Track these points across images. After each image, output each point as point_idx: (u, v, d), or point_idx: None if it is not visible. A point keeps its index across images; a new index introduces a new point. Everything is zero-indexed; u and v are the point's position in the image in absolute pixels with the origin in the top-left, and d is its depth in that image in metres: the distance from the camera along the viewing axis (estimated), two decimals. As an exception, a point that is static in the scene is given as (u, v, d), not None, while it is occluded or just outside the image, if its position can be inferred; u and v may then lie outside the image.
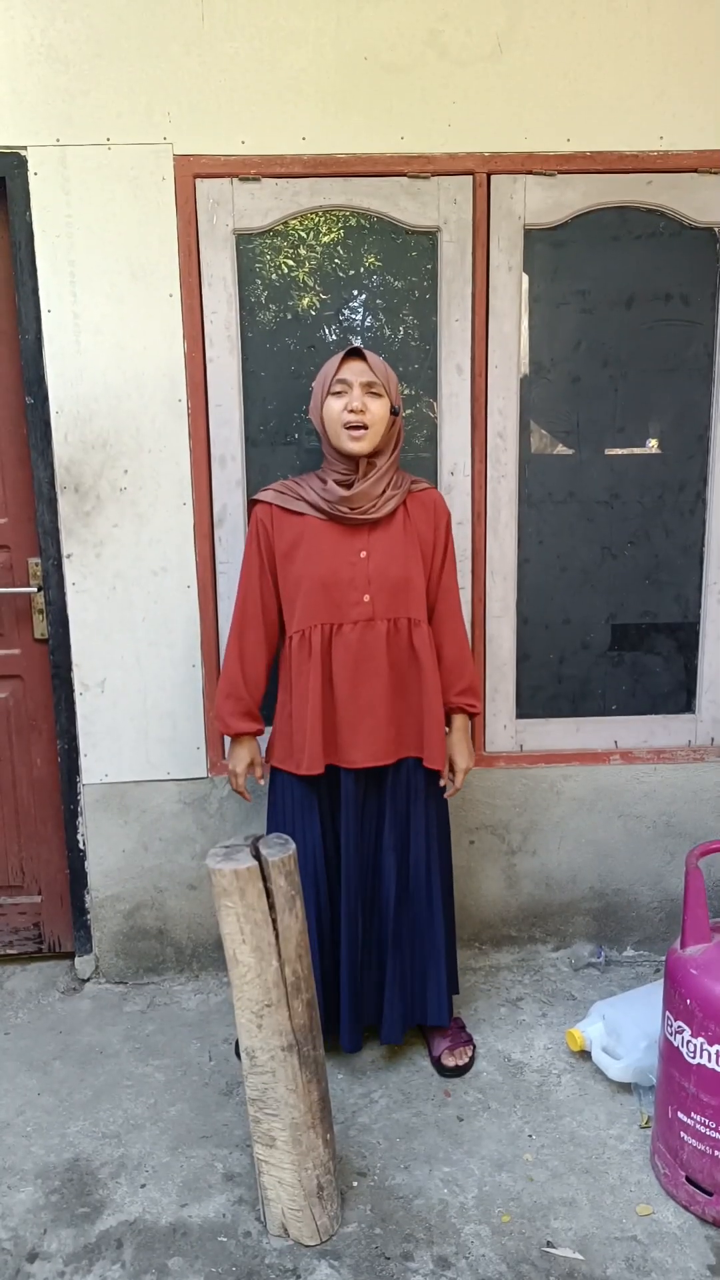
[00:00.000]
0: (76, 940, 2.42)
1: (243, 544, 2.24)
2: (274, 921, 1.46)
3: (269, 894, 1.46)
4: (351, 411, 1.79)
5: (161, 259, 2.11)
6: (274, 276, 2.20)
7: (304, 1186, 1.57)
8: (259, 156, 2.11)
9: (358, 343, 2.25)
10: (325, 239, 2.20)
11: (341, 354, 1.82)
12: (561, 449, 2.32)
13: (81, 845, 2.36)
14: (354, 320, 2.24)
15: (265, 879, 1.46)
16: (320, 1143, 1.57)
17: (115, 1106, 1.98)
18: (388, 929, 1.95)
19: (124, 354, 2.14)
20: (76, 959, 2.43)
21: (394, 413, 1.85)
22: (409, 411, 2.26)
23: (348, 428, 1.80)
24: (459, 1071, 2.02)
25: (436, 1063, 2.04)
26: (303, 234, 2.19)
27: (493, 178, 2.14)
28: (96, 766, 2.31)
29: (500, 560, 2.32)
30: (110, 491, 2.21)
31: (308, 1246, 1.59)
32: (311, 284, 2.21)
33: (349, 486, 1.86)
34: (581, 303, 2.25)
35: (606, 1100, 1.97)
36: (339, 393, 1.81)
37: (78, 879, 2.38)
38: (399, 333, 2.25)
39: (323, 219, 2.19)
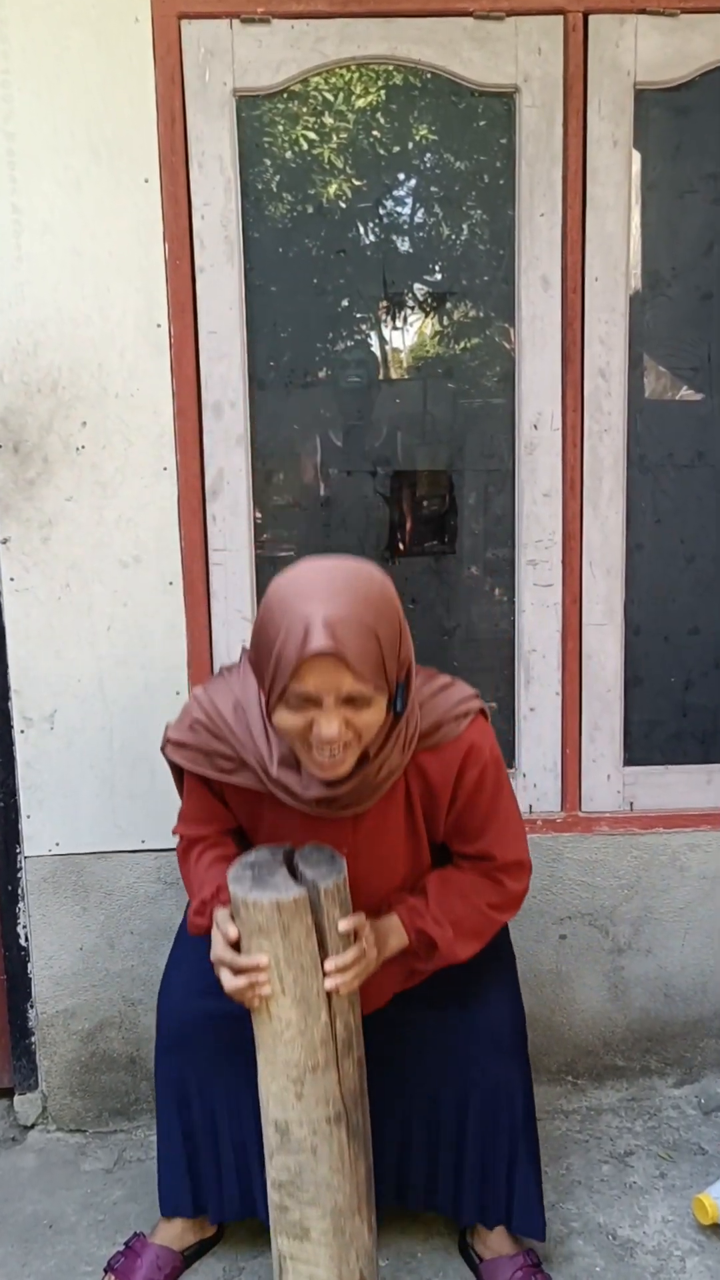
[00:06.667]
0: (16, 1072, 2.31)
1: (245, 522, 2.17)
2: (322, 964, 1.45)
3: (318, 929, 1.44)
4: (323, 744, 1.42)
5: (135, 131, 2.01)
6: (289, 155, 2.13)
7: None
8: (268, -12, 2.04)
9: (405, 246, 2.18)
10: (360, 103, 2.12)
11: (301, 651, 1.35)
12: (687, 393, 2.25)
13: (23, 941, 2.25)
14: (399, 215, 2.17)
15: (315, 909, 1.44)
16: (365, 1229, 1.58)
17: (70, 1302, 1.86)
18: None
19: (82, 262, 2.03)
20: (17, 1098, 2.32)
21: (397, 712, 1.49)
22: (475, 341, 2.21)
23: (316, 751, 1.45)
24: None
25: None
26: (329, 96, 2.11)
27: (590, 18, 2.04)
28: (44, 832, 2.21)
29: (602, 547, 2.21)
30: (62, 451, 2.10)
31: None
32: (341, 165, 2.14)
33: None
34: (714, 191, 2.17)
35: (750, 1293, 1.84)
36: (298, 708, 1.42)
37: (18, 988, 2.27)
38: (461, 232, 2.18)
39: (357, 76, 2.12)
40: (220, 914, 1.53)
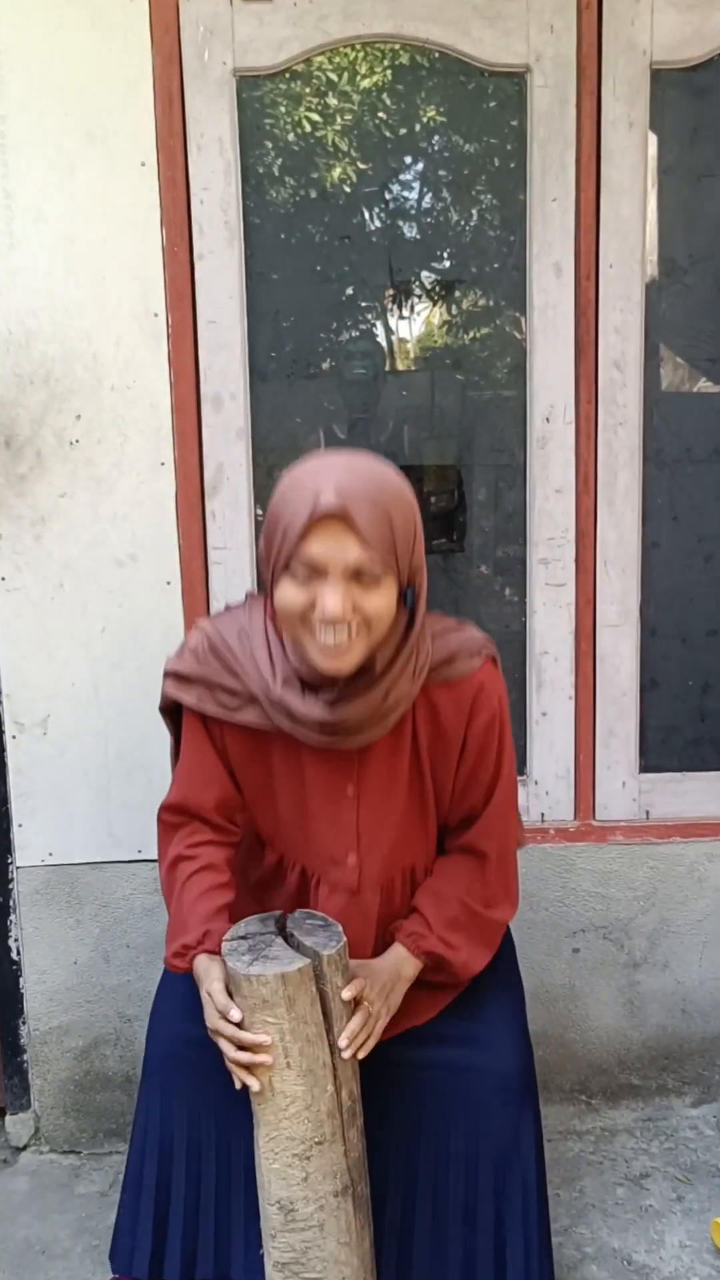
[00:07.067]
0: (8, 1092, 2.29)
1: (245, 519, 2.15)
2: (328, 1034, 1.46)
3: (322, 997, 1.44)
4: (326, 622, 1.37)
5: (130, 112, 1.99)
6: (291, 137, 2.12)
7: None
8: (270, -37, 2.00)
9: (412, 232, 2.18)
10: (366, 83, 2.12)
11: (310, 512, 1.33)
12: (705, 385, 2.25)
13: (15, 955, 2.24)
14: (406, 200, 2.16)
15: (318, 978, 1.44)
16: None
17: (62, 1335, 1.84)
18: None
19: (75, 249, 2.02)
20: (8, 1118, 2.30)
21: (408, 602, 1.45)
22: (485, 331, 2.18)
23: (320, 633, 1.40)
24: None
25: None
26: (333, 76, 2.11)
27: (605, -6, 2.04)
28: (36, 842, 2.19)
29: (617, 545, 2.20)
30: (56, 446, 2.09)
31: None
32: (346, 148, 2.14)
33: (321, 693, 1.50)
34: (734, 174, 2.15)
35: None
36: (303, 581, 1.39)
37: (9, 1004, 2.25)
38: (470, 217, 2.18)
39: (362, 55, 2.12)
40: (216, 988, 1.49)
